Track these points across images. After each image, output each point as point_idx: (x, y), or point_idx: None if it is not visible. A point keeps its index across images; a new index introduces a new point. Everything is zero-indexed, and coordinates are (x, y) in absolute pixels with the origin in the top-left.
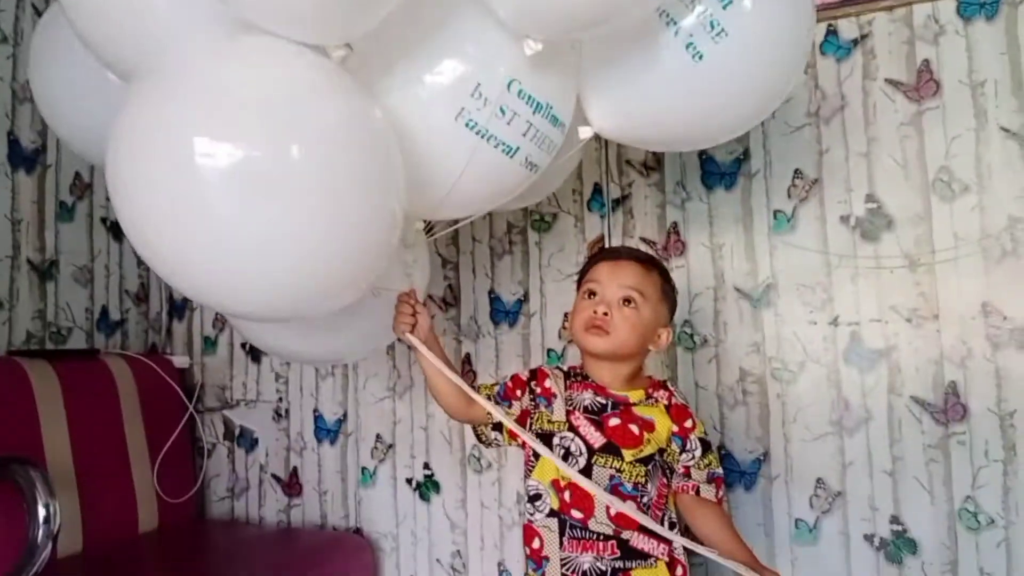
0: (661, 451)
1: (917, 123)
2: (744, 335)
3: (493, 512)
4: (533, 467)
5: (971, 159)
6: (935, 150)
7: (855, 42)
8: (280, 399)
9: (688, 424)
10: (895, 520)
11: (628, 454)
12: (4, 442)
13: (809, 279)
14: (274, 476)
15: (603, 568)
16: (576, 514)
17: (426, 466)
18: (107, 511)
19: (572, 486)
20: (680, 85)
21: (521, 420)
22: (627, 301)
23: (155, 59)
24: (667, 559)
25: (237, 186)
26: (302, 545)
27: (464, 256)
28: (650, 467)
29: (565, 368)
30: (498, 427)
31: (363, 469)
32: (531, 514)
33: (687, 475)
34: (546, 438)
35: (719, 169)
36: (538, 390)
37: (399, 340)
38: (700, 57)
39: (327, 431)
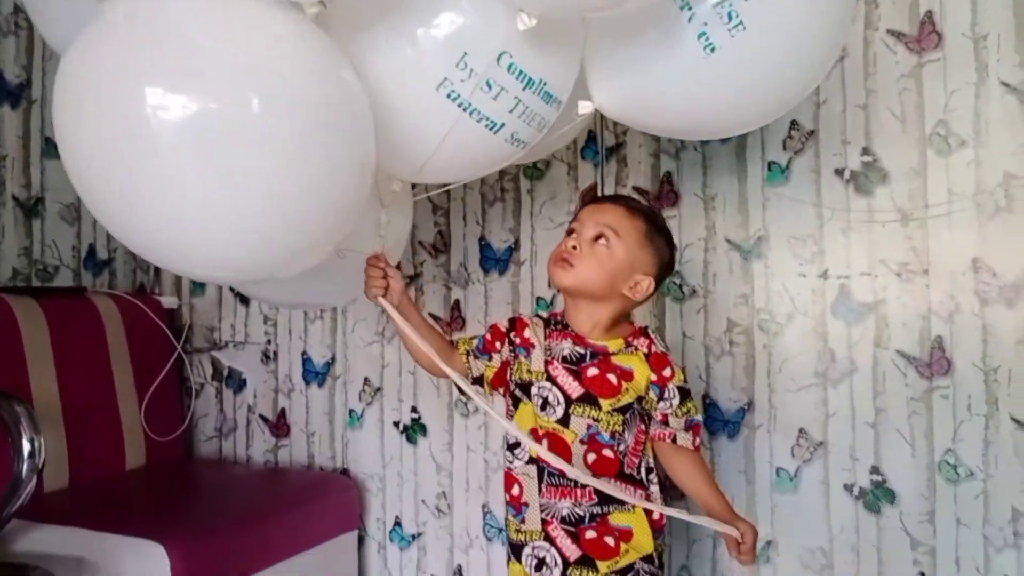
0: (640, 399)
1: (917, 75)
2: (733, 286)
3: (479, 455)
4: (512, 416)
5: (970, 113)
6: (934, 104)
7: None
8: (268, 341)
9: (667, 373)
10: (875, 471)
11: (606, 404)
12: None
13: (801, 232)
14: (262, 417)
15: (581, 514)
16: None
17: (413, 409)
18: (94, 448)
19: (549, 435)
20: (689, 77)
21: (502, 371)
22: (599, 237)
23: None
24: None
25: (189, 140)
26: (290, 484)
27: (455, 203)
28: (628, 416)
29: (546, 316)
30: (478, 380)
31: (351, 411)
32: (510, 461)
33: (664, 423)
34: (524, 388)
35: None
36: (517, 340)
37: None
38: (712, 50)
39: (315, 373)
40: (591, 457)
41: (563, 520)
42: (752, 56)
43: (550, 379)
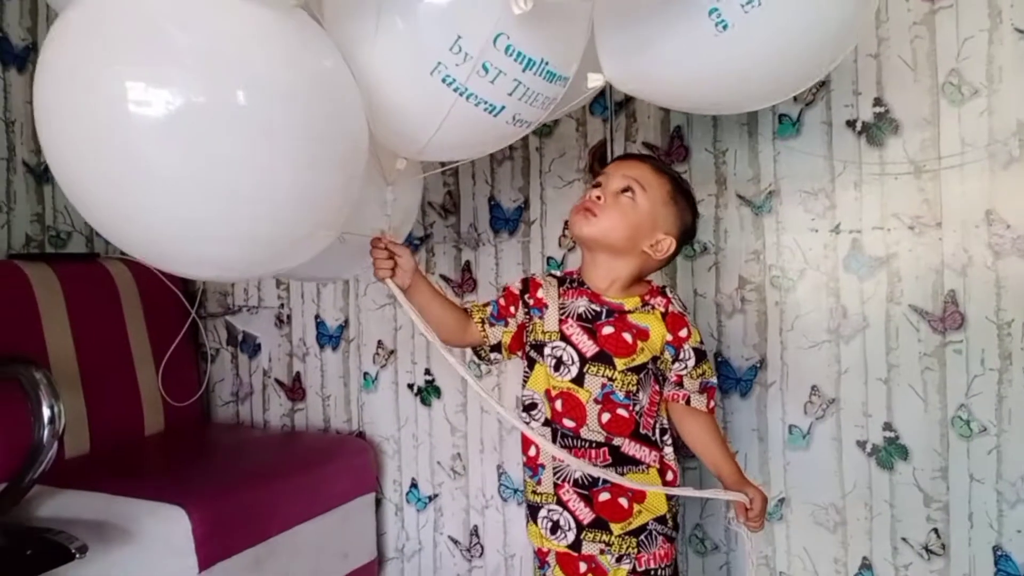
0: (655, 359)
1: (930, 22)
2: (744, 242)
3: (493, 417)
4: (528, 377)
5: (982, 61)
6: (946, 51)
7: None
8: (282, 305)
9: (683, 333)
10: (887, 427)
11: (620, 363)
12: (7, 345)
13: (812, 186)
14: (277, 381)
15: (595, 475)
16: (568, 423)
17: (427, 372)
18: (113, 413)
19: (563, 395)
20: (701, 54)
21: (518, 334)
22: (626, 190)
23: None
24: (658, 465)
25: (169, 133)
26: (306, 447)
27: (464, 163)
28: (642, 375)
29: (560, 274)
30: (496, 348)
31: (365, 374)
32: (527, 423)
33: (679, 384)
34: (539, 348)
35: None
36: (531, 301)
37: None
38: (724, 27)
39: (329, 337)
40: (605, 417)
41: (576, 483)
42: (767, 33)
43: (564, 338)
